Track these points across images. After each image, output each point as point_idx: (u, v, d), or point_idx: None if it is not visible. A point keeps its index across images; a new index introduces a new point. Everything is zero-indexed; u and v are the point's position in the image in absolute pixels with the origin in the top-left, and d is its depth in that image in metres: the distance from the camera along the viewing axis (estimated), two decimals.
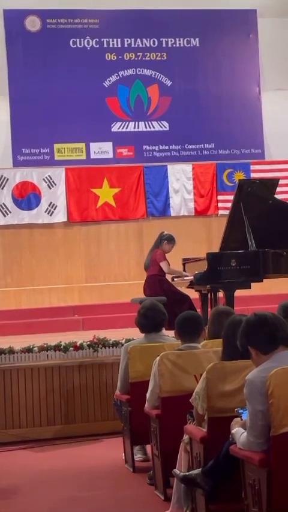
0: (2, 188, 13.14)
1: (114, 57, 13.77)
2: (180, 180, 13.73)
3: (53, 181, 13.29)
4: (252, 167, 13.87)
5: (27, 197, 13.20)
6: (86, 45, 13.68)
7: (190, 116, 13.84)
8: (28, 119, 13.28)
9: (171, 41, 13.92)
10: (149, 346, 5.89)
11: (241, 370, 4.17)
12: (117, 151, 13.67)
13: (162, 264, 9.51)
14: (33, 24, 13.47)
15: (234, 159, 13.94)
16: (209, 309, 8.60)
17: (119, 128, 13.70)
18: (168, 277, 9.66)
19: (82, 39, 13.65)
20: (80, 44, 13.65)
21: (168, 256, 9.70)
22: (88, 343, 7.82)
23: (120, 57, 13.78)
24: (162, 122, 13.85)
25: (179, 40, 13.94)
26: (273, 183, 8.96)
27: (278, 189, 9.12)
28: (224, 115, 13.98)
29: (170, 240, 9.71)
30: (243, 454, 3.76)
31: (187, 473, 4.31)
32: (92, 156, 13.58)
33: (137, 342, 6.16)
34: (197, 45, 14.00)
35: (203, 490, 4.16)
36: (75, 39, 13.63)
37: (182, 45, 13.96)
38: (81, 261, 13.32)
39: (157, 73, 13.89)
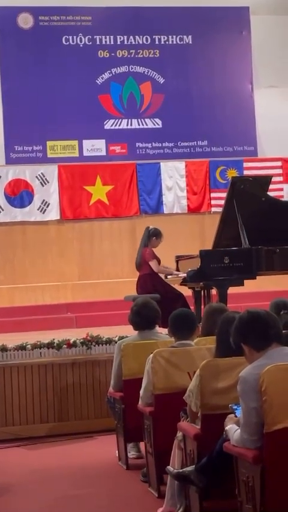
0: None
1: (107, 55, 13.75)
2: (173, 178, 13.73)
3: (45, 179, 13.27)
4: (245, 164, 13.88)
5: (20, 195, 13.17)
6: (79, 43, 13.65)
7: (183, 113, 13.83)
8: (21, 116, 13.26)
9: (163, 38, 13.91)
10: (143, 344, 5.89)
11: (234, 367, 4.17)
12: (110, 148, 13.66)
13: (152, 264, 9.43)
14: (25, 21, 13.44)
15: (227, 156, 13.94)
16: (202, 306, 8.60)
17: (111, 125, 13.68)
18: (162, 274, 9.63)
19: (75, 37, 13.63)
20: (73, 41, 13.63)
21: (162, 254, 9.65)
22: (81, 340, 7.81)
23: (113, 54, 13.76)
24: (155, 119, 13.84)
25: (172, 37, 13.93)
26: (266, 180, 8.95)
27: (271, 186, 9.12)
28: (216, 112, 13.97)
29: (158, 234, 9.62)
30: (236, 451, 3.76)
31: (181, 470, 4.31)
32: (85, 153, 13.56)
33: (131, 340, 6.17)
34: (190, 42, 13.99)
35: (197, 487, 4.16)
36: (67, 36, 13.61)
37: (174, 42, 13.95)
38: (74, 259, 13.30)
39: (150, 70, 13.88)
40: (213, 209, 13.56)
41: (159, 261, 9.54)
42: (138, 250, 9.75)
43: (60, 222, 13.32)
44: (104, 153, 13.62)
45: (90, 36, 13.67)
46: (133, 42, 13.81)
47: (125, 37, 13.79)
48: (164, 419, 5.03)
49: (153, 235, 9.60)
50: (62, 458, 6.66)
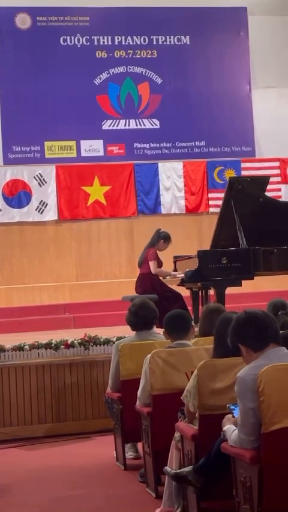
0: None
1: (104, 55, 13.75)
2: (171, 178, 13.74)
3: (43, 179, 13.27)
4: (243, 165, 13.90)
5: (17, 195, 13.18)
6: (77, 43, 13.65)
7: (181, 113, 13.84)
8: (18, 117, 13.26)
9: (161, 38, 13.91)
10: (140, 344, 5.89)
11: (232, 367, 4.17)
12: (108, 149, 13.66)
13: (151, 264, 9.48)
14: (23, 21, 13.44)
15: (225, 156, 13.95)
16: (200, 307, 8.60)
17: (109, 126, 13.69)
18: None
19: (72, 37, 13.63)
20: (71, 42, 13.63)
21: (160, 254, 9.70)
22: (79, 341, 7.81)
23: (110, 54, 13.76)
24: (153, 119, 13.85)
25: (170, 38, 13.94)
26: (263, 180, 8.97)
27: (269, 187, 9.14)
28: (214, 113, 13.99)
29: (167, 238, 9.71)
30: (234, 452, 3.76)
31: (178, 471, 4.31)
32: (83, 153, 13.56)
33: (128, 340, 6.17)
34: (188, 42, 14.00)
35: (194, 488, 4.16)
36: (65, 37, 13.61)
37: (172, 42, 13.95)
38: (72, 259, 13.31)
39: (148, 71, 13.88)
40: (211, 209, 13.57)
41: (160, 265, 9.57)
42: (144, 248, 9.80)
43: (58, 223, 13.32)
44: (101, 153, 13.63)
45: (88, 37, 13.67)
46: (131, 43, 13.82)
47: (123, 37, 13.79)
48: (161, 420, 5.03)
49: (162, 238, 9.69)
50: (60, 459, 6.66)
